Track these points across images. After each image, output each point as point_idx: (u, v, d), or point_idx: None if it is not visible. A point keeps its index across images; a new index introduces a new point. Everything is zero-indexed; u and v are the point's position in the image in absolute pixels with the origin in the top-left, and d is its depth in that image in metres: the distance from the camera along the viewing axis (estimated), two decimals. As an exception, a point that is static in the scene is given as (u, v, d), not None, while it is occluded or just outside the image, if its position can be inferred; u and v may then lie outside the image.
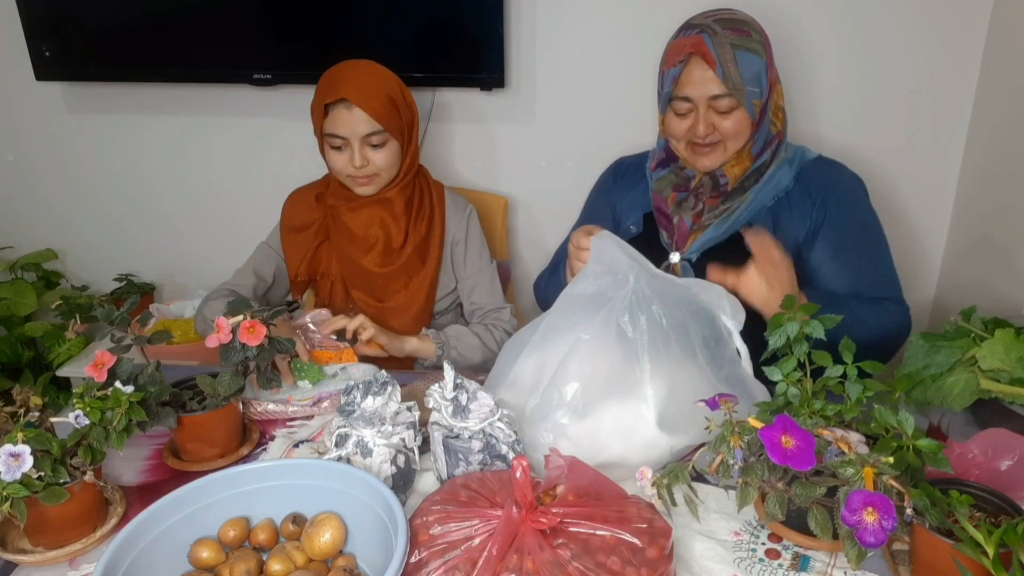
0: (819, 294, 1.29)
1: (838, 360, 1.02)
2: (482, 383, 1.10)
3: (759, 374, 1.11)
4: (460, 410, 1.02)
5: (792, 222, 1.40)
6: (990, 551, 0.76)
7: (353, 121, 1.46)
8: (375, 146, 1.49)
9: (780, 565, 0.92)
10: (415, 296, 1.59)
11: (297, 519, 0.95)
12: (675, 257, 1.44)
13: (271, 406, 1.25)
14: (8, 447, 0.89)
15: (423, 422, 1.08)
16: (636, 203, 1.53)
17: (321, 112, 1.47)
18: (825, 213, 1.39)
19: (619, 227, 1.53)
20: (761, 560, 0.93)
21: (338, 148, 1.49)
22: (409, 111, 1.54)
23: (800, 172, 1.42)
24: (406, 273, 1.60)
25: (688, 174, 1.45)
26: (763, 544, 0.95)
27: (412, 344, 1.49)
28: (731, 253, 1.37)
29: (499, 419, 1.04)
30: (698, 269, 1.42)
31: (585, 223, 1.58)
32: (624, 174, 1.59)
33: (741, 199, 1.41)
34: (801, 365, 1.04)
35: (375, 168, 1.50)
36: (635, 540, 0.84)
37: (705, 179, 1.43)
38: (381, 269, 1.58)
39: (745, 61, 1.33)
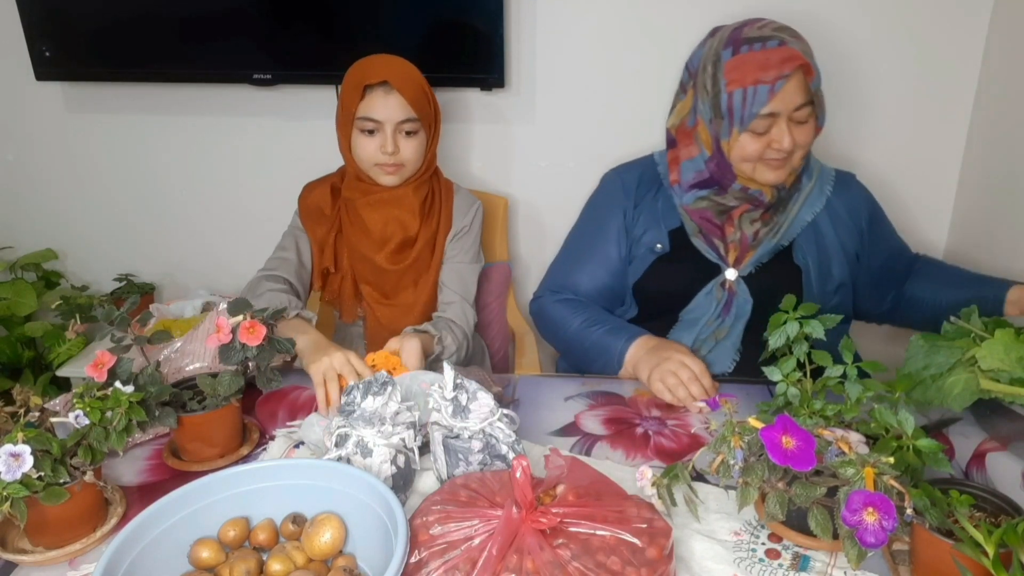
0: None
1: (838, 360, 1.02)
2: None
3: (759, 374, 1.11)
4: (460, 410, 1.02)
5: (838, 234, 1.44)
6: (990, 551, 0.76)
7: (390, 106, 1.46)
8: (408, 134, 1.50)
9: (780, 565, 0.92)
10: (422, 293, 1.59)
11: (297, 519, 0.95)
12: (731, 274, 1.40)
13: None
14: (8, 447, 0.89)
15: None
16: (656, 219, 1.45)
17: (358, 95, 1.46)
18: (870, 224, 1.49)
19: (635, 243, 1.47)
20: (761, 560, 0.93)
21: (369, 133, 1.48)
22: (434, 107, 1.55)
23: (833, 188, 1.45)
24: (415, 270, 1.59)
25: (730, 199, 1.39)
26: (763, 544, 0.95)
27: (425, 344, 1.39)
28: (781, 268, 1.40)
29: (499, 419, 1.04)
30: (752, 285, 1.40)
31: (594, 236, 1.50)
32: (635, 187, 1.49)
33: (787, 214, 1.40)
34: (801, 365, 1.04)
35: (403, 158, 1.50)
36: (635, 540, 0.84)
37: (751, 195, 1.37)
38: (393, 266, 1.58)
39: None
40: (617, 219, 1.49)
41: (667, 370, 1.27)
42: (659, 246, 1.44)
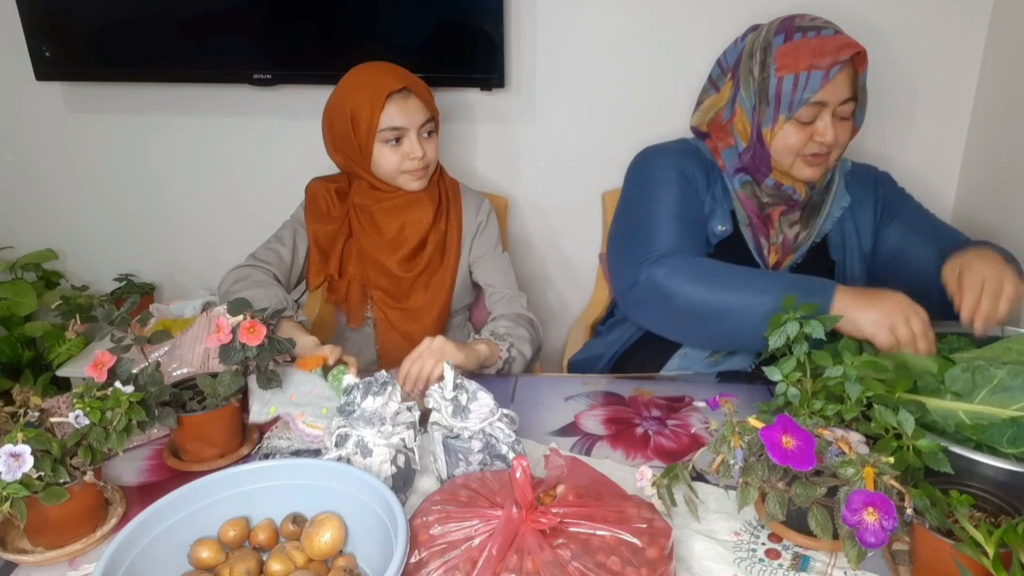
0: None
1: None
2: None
3: (759, 373, 1.11)
4: (460, 410, 1.02)
5: (859, 226, 1.42)
6: (990, 551, 0.76)
7: (411, 110, 1.47)
8: (428, 135, 1.51)
9: (780, 565, 0.92)
10: (436, 296, 1.59)
11: (297, 519, 0.95)
12: None
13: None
14: (8, 447, 0.89)
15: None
16: (717, 201, 1.39)
17: (379, 107, 1.45)
18: (884, 205, 1.44)
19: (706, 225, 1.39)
20: (761, 560, 0.93)
21: (394, 142, 1.48)
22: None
23: (850, 182, 1.44)
24: (427, 273, 1.59)
25: (763, 195, 1.35)
26: (763, 544, 0.95)
27: (483, 352, 1.33)
28: (816, 265, 1.38)
29: (499, 419, 1.04)
30: None
31: (679, 211, 1.35)
32: (692, 165, 1.40)
33: (822, 214, 1.39)
34: (801, 365, 1.04)
35: (428, 160, 1.51)
36: (635, 540, 0.84)
37: (784, 192, 1.33)
38: (405, 273, 1.57)
39: None
40: (686, 190, 1.37)
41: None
42: (721, 228, 1.37)
